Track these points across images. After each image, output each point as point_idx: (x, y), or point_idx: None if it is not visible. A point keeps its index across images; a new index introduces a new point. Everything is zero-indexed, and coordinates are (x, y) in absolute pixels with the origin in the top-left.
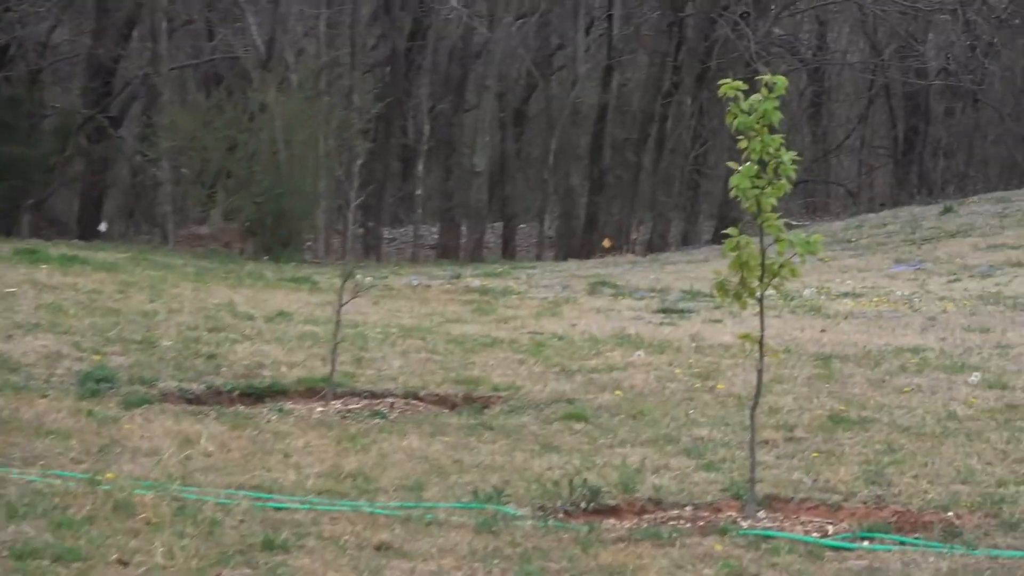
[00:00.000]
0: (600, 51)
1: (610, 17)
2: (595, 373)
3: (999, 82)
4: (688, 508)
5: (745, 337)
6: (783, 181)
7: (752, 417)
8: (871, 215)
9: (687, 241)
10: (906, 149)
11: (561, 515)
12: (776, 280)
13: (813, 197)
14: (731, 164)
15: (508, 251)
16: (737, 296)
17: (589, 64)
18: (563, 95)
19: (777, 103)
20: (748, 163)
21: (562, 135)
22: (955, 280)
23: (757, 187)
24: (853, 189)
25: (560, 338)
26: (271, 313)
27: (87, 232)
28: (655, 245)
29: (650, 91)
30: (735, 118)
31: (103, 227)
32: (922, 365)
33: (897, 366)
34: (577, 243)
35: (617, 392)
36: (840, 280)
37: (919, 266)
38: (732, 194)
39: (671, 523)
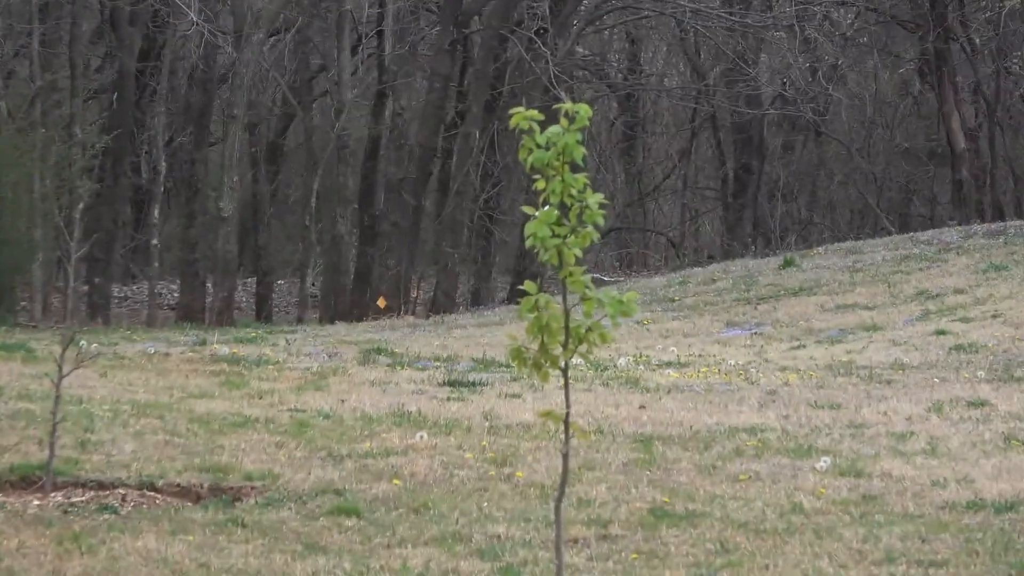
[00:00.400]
0: (370, 74)
1: (380, 33)
2: (369, 458)
3: (845, 111)
4: None
5: (547, 415)
6: (589, 229)
7: (557, 511)
8: (698, 269)
9: (478, 300)
10: (737, 190)
11: None
12: (583, 347)
13: (628, 248)
14: (527, 209)
15: (263, 312)
16: (537, 366)
17: (357, 90)
18: (326, 126)
19: (580, 136)
20: (547, 207)
21: (326, 174)
22: (799, 347)
23: (558, 236)
24: (675, 238)
25: (327, 416)
26: None
27: None
28: (440, 305)
29: (431, 122)
30: (530, 153)
31: None
32: (761, 448)
33: (731, 449)
34: (346, 303)
35: (395, 481)
36: (662, 347)
37: (755, 330)
38: (529, 244)
39: None
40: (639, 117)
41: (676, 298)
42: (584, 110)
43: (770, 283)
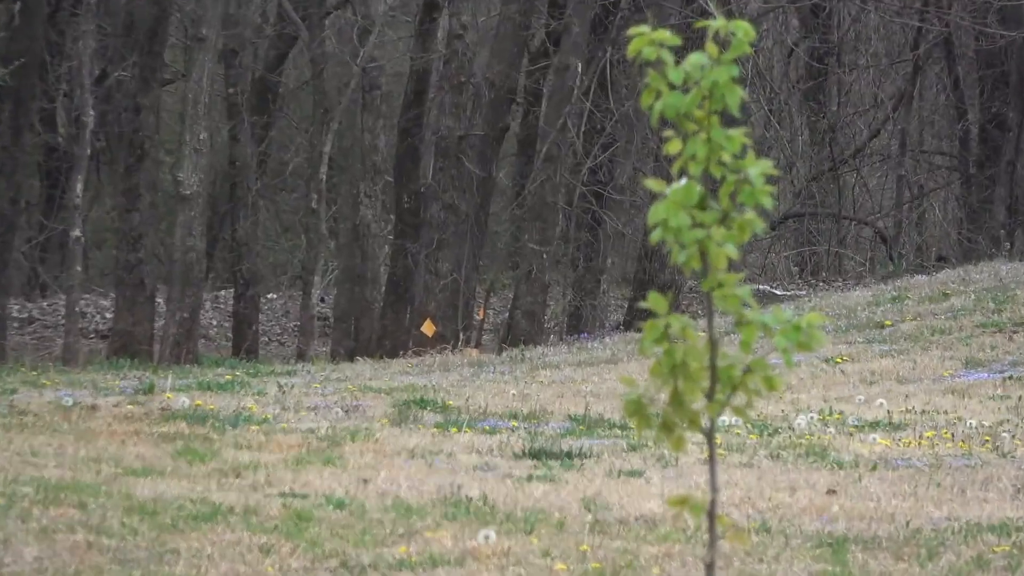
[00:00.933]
0: None
1: None
2: (406, 571)
3: None
4: None
5: (682, 503)
6: (750, 215)
7: None
8: (921, 278)
9: (578, 326)
10: (984, 157)
11: None
12: (740, 398)
13: (812, 245)
14: (652, 184)
15: (244, 343)
16: (668, 428)
17: None
18: (345, 55)
19: (737, 71)
20: (684, 181)
21: (344, 130)
22: None
23: (701, 226)
24: (887, 230)
25: (340, 505)
26: None
27: None
28: (520, 333)
29: (507, 48)
30: (658, 98)
31: None
32: (1018, 558)
33: (970, 559)
34: (373, 329)
35: None
36: (863, 398)
37: (1011, 372)
38: (656, 238)
39: None
40: (832, 42)
41: (887, 322)
42: (744, 30)
43: None
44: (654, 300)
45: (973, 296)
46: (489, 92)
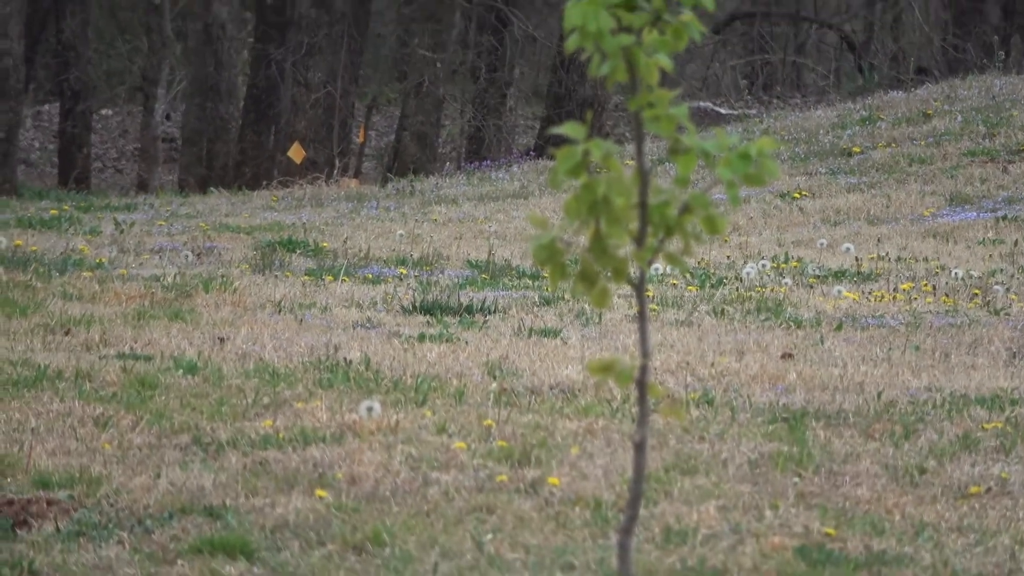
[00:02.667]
0: None
1: None
2: (271, 449)
3: None
4: None
5: (606, 369)
6: (687, 15)
7: (623, 552)
8: (897, 94)
9: (480, 151)
10: None
11: None
12: (676, 243)
13: (764, 54)
14: None
15: (74, 170)
16: (588, 278)
17: None
18: None
19: None
20: None
21: None
22: None
23: (627, 30)
24: (855, 33)
25: (191, 369)
26: None
27: None
28: (408, 158)
29: None
30: None
31: None
32: (1012, 436)
33: (953, 438)
34: (230, 153)
35: (320, 493)
36: (827, 242)
37: (1004, 211)
38: (572, 44)
39: None
40: None
41: (856, 149)
42: None
43: None
44: (569, 126)
45: (960, 117)
46: None
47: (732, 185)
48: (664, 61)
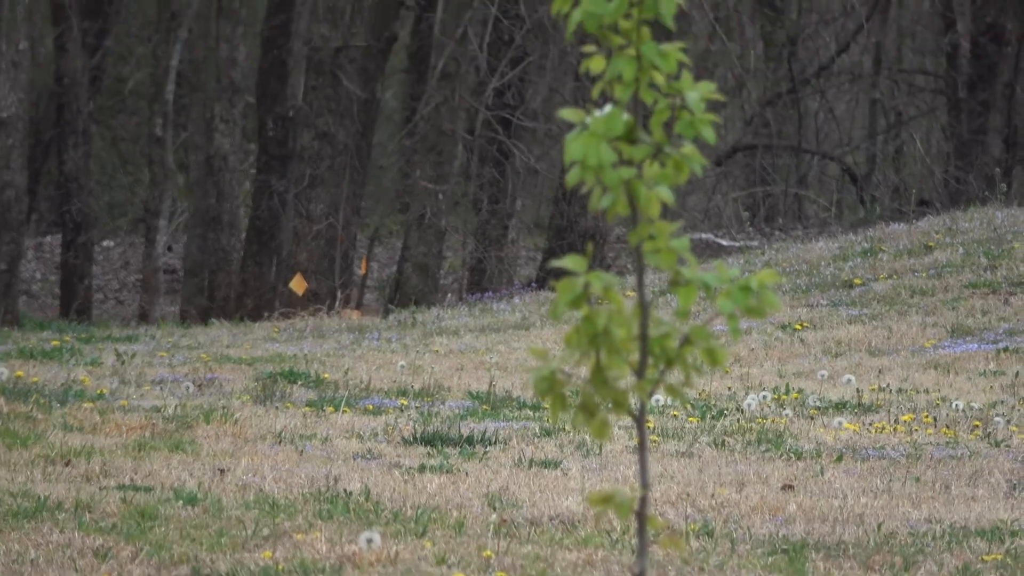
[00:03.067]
0: None
1: None
2: None
3: None
4: None
5: (606, 501)
6: (688, 148)
7: None
8: (898, 226)
9: (481, 283)
10: (976, 78)
11: None
12: (676, 374)
13: (766, 185)
14: (568, 113)
15: (76, 301)
16: (588, 409)
17: None
18: None
19: None
20: (607, 108)
21: (195, 37)
22: None
23: (628, 163)
24: (857, 167)
25: (191, 500)
26: None
27: None
28: (410, 291)
29: None
30: (574, 4)
31: None
32: (1013, 569)
33: (954, 570)
34: (232, 284)
35: None
36: (827, 373)
37: (1005, 343)
38: (573, 178)
39: None
40: None
41: (857, 281)
42: None
43: None
44: (570, 259)
45: (961, 249)
46: None
47: (733, 317)
48: (665, 194)
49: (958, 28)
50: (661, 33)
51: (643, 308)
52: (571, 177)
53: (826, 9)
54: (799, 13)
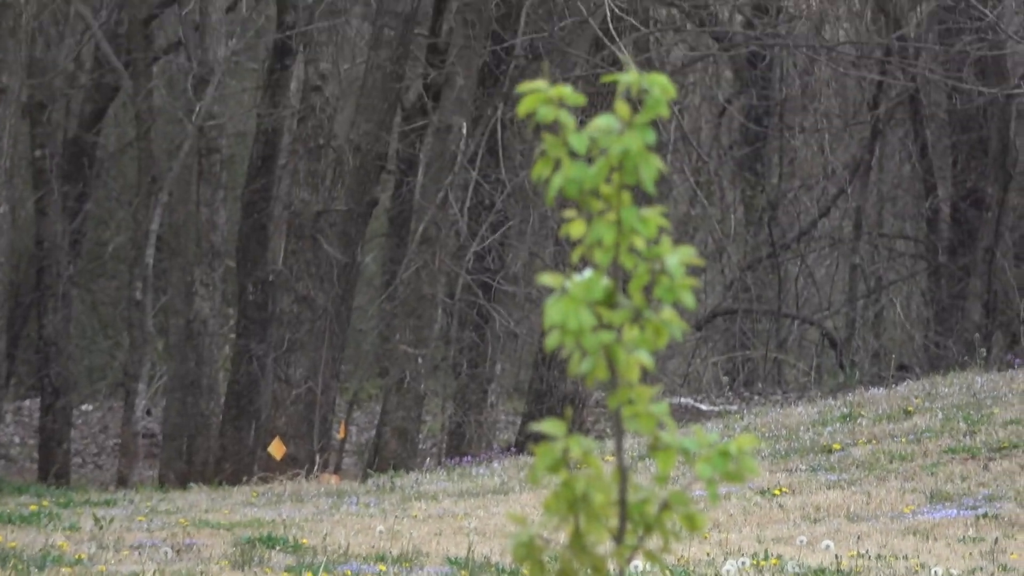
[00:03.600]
0: (262, 11)
1: None
2: None
3: None
4: None
5: None
6: (668, 314)
7: None
8: (878, 391)
9: (460, 447)
10: (956, 243)
11: None
12: (655, 540)
13: (746, 350)
14: (547, 278)
15: (53, 465)
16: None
17: (237, 41)
18: (177, 110)
19: (652, 136)
20: (587, 273)
21: (176, 202)
22: None
23: (607, 327)
24: (837, 332)
25: None
26: None
27: None
28: (389, 455)
29: (376, 105)
30: (555, 169)
31: None
32: None
33: None
34: (211, 449)
35: None
36: (807, 539)
37: (985, 509)
38: (553, 342)
39: None
40: (773, 99)
41: (836, 446)
42: (662, 87)
43: (1014, 419)
44: (549, 424)
45: (941, 415)
46: (353, 158)
47: (712, 483)
48: (645, 359)
49: (939, 193)
50: (641, 197)
51: (622, 473)
52: (550, 341)
53: (807, 174)
54: (780, 178)
